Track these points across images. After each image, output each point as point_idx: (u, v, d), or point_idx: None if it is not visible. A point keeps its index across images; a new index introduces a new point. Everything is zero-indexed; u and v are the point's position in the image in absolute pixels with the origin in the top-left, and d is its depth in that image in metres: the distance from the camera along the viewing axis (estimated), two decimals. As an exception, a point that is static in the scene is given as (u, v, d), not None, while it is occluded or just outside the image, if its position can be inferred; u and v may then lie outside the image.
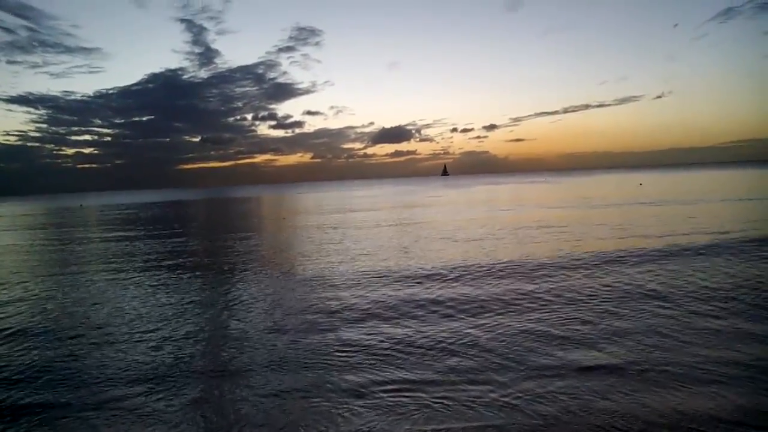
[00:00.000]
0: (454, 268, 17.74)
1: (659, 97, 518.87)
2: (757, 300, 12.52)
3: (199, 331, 11.89)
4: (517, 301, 13.29)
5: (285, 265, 20.00)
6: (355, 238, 27.86)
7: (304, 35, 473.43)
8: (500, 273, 16.85)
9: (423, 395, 8.11)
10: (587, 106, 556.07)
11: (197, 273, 19.43)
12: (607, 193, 64.42)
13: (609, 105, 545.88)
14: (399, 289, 15.08)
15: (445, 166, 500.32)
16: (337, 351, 10.19)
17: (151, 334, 11.74)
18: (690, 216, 30.86)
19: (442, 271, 17.52)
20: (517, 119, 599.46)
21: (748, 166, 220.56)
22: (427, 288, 15.16)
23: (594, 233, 25.43)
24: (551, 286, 14.70)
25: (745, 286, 13.76)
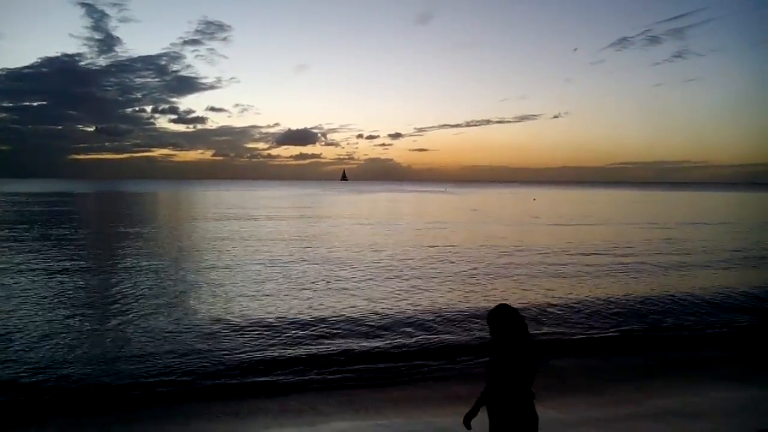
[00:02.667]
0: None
1: (556, 116, 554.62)
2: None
3: None
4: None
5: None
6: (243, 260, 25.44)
7: (212, 29, 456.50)
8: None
9: None
10: (489, 122, 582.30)
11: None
12: (503, 207, 66.05)
13: (509, 122, 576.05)
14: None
15: (344, 171, 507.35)
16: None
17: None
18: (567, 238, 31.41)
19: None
20: (421, 129, 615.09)
21: (633, 187, 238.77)
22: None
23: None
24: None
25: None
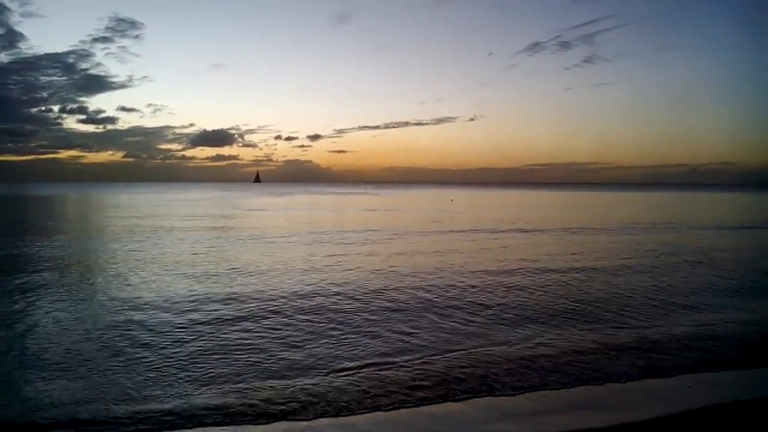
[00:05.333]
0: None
1: (472, 119, 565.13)
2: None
3: None
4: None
5: None
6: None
7: (123, 27, 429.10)
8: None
9: None
10: (407, 123, 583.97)
11: None
12: (422, 205, 64.73)
13: (427, 124, 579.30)
14: None
15: (257, 173, 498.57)
16: None
17: None
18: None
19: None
20: (341, 131, 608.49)
21: (545, 187, 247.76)
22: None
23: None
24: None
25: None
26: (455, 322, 11.74)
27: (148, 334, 10.58)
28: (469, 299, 13.83)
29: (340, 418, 7.20)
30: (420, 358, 9.39)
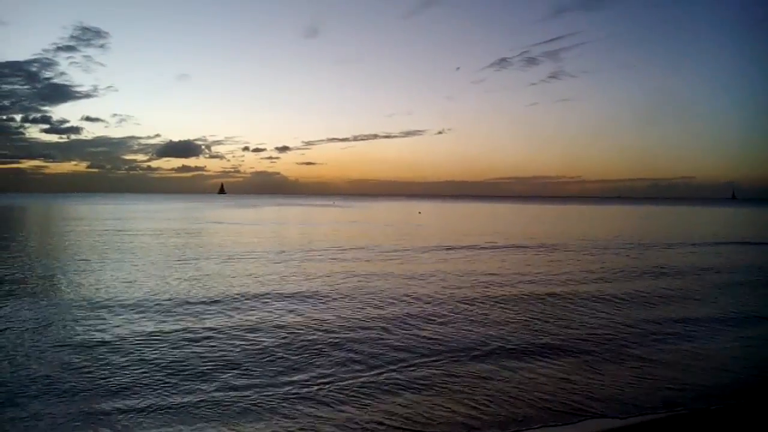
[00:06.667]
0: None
1: (440, 132, 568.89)
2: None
3: None
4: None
5: None
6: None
7: (88, 36, 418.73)
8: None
9: None
10: (376, 136, 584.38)
11: None
12: (393, 218, 63.86)
13: (396, 137, 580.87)
14: None
15: (222, 185, 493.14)
16: None
17: None
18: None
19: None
20: (309, 143, 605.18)
21: (510, 201, 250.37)
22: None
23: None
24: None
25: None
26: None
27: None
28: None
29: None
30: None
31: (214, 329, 12.20)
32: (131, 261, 23.39)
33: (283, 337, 11.63)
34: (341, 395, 8.58)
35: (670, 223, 64.03)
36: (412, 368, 9.83)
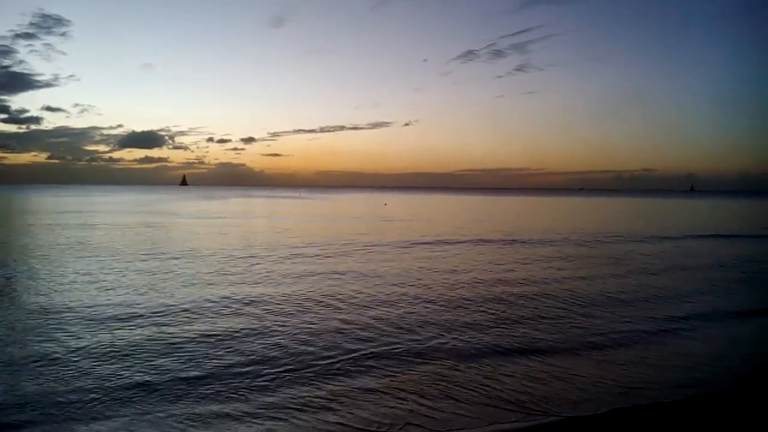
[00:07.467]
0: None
1: (407, 124, 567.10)
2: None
3: None
4: None
5: None
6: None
7: (49, 23, 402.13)
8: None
9: None
10: (342, 128, 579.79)
11: None
12: (359, 211, 62.39)
13: (362, 128, 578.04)
14: None
15: (184, 176, 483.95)
16: None
17: None
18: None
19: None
20: (275, 134, 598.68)
21: (476, 192, 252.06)
22: None
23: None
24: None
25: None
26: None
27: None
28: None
29: None
30: None
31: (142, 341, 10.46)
32: (76, 264, 21.27)
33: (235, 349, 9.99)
34: (292, 405, 7.04)
35: (637, 216, 64.28)
36: (359, 372, 8.35)
